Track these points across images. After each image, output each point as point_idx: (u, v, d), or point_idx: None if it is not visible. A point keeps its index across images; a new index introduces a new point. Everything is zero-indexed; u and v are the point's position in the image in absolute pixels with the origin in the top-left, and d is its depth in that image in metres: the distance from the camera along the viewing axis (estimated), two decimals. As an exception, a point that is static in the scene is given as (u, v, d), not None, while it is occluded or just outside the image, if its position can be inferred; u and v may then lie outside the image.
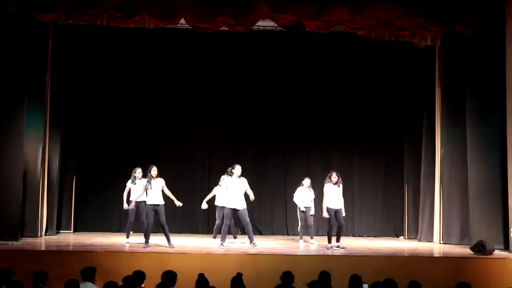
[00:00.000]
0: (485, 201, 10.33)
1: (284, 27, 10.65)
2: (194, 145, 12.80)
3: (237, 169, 9.68)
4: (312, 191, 10.92)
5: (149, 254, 8.87)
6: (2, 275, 5.87)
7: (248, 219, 9.66)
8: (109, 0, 10.04)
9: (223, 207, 9.99)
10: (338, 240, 9.88)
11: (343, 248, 9.82)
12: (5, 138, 10.08)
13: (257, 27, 11.09)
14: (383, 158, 12.94)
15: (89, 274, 6.15)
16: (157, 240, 9.78)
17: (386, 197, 12.89)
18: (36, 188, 10.65)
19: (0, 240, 9.44)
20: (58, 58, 11.36)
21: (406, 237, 12.37)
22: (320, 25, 10.35)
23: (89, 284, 6.05)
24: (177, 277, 5.92)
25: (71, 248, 9.69)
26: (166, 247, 9.37)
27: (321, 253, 9.65)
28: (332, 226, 9.83)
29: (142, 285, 6.07)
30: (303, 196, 10.86)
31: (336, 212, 9.81)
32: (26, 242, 9.86)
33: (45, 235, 11.00)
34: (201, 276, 5.96)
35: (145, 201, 9.71)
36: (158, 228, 9.88)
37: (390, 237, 12.55)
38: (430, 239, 11.55)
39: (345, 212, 10.10)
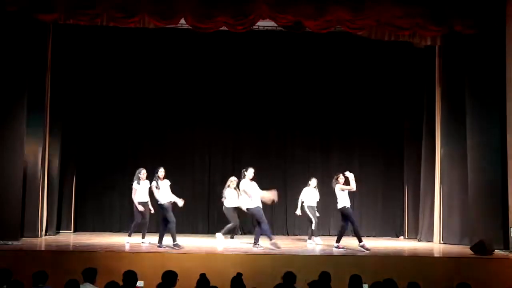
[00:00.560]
0: (485, 201, 10.33)
1: (284, 27, 10.65)
2: (194, 145, 12.79)
3: (250, 171, 9.85)
4: (317, 191, 10.94)
5: (149, 254, 8.87)
6: (2, 275, 5.87)
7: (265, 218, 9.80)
8: (109, 0, 10.05)
9: (235, 208, 10.69)
10: (338, 241, 9.93)
11: (343, 248, 9.83)
12: (5, 138, 10.07)
13: (257, 27, 11.08)
14: (383, 158, 12.94)
15: (90, 275, 6.14)
16: (156, 240, 9.75)
17: (386, 197, 12.90)
18: (36, 188, 10.64)
19: (0, 240, 9.44)
20: (58, 58, 11.35)
21: (406, 237, 12.37)
22: (320, 25, 10.35)
23: (90, 285, 6.04)
24: (178, 277, 5.91)
25: (71, 248, 9.67)
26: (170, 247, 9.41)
27: (321, 253, 9.68)
28: (344, 226, 9.94)
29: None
30: (310, 196, 10.86)
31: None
32: (26, 242, 9.85)
33: (45, 235, 11.00)
34: (203, 276, 5.95)
35: (147, 202, 10.11)
36: (158, 228, 9.95)
37: (390, 237, 12.55)
38: (430, 239, 11.55)
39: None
